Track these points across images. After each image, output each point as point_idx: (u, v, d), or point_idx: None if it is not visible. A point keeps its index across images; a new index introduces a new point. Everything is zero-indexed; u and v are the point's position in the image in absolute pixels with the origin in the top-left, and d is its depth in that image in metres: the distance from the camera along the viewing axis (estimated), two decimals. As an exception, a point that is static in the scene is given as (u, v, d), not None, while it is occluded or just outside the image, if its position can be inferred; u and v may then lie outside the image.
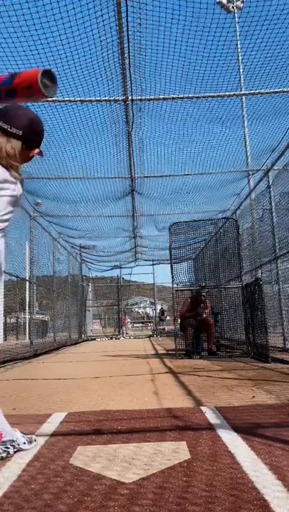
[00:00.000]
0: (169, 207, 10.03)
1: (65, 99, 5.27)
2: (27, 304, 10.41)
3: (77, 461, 1.81)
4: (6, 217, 1.95)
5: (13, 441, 1.97)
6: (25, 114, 1.98)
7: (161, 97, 5.39)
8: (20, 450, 1.98)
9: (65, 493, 1.48)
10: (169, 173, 7.79)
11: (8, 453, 1.93)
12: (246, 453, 1.83)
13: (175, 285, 7.40)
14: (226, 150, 6.86)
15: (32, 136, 1.98)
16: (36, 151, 2.01)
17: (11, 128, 1.91)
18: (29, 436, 2.09)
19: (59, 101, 5.30)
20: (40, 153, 2.04)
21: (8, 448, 1.94)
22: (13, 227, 8.13)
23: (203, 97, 5.44)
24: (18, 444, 1.98)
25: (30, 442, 2.04)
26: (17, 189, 1.98)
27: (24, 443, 2.01)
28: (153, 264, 19.56)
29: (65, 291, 13.62)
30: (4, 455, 1.92)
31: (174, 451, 1.89)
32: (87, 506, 1.37)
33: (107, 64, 4.78)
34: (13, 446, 1.96)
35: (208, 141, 6.64)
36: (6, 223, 1.98)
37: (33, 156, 2.03)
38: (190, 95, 5.38)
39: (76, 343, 13.77)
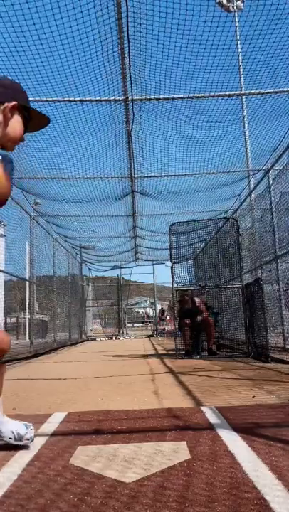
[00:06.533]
0: (169, 207, 10.03)
1: (65, 98, 5.27)
2: (27, 304, 10.41)
3: (78, 461, 1.81)
4: None
5: None
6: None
7: (162, 96, 5.39)
8: (6, 443, 1.97)
9: (65, 493, 1.48)
10: (169, 173, 7.79)
11: None
12: (246, 453, 1.83)
13: (175, 285, 7.40)
14: (226, 150, 6.86)
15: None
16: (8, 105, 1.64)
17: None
18: (21, 433, 1.99)
19: (59, 101, 5.31)
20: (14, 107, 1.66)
21: None
22: (13, 227, 8.14)
23: (204, 96, 5.44)
24: (2, 437, 1.98)
25: (19, 440, 1.98)
26: None
27: (10, 438, 1.98)
28: (153, 264, 19.57)
29: (65, 291, 13.62)
30: None
31: (174, 451, 1.89)
32: (88, 505, 1.37)
33: (107, 64, 4.79)
34: None
35: (208, 141, 6.64)
36: None
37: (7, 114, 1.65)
38: (190, 95, 5.38)
39: (76, 343, 13.77)
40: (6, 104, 1.63)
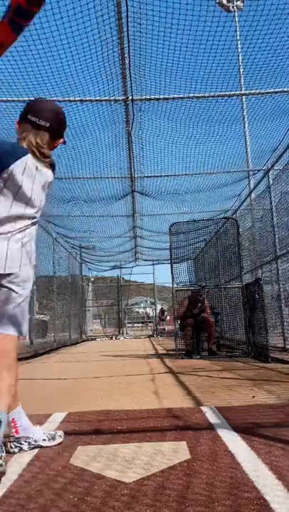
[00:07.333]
0: (169, 207, 10.02)
1: (65, 98, 5.27)
2: (27, 303, 10.41)
3: (78, 461, 1.81)
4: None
5: (28, 437, 1.99)
6: (51, 107, 2.13)
7: (162, 96, 5.39)
8: (39, 447, 2.00)
9: (65, 492, 1.48)
10: (169, 173, 7.79)
11: (21, 449, 1.97)
12: (246, 453, 1.83)
13: (175, 285, 7.40)
14: (226, 150, 6.86)
15: (57, 128, 2.08)
16: (60, 140, 2.14)
17: (39, 121, 2.01)
18: (52, 432, 2.10)
19: (59, 101, 5.30)
20: (64, 142, 2.21)
21: (22, 444, 1.97)
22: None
23: (204, 97, 5.44)
24: (36, 441, 2.00)
25: (52, 439, 2.05)
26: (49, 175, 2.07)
27: (44, 440, 2.03)
28: (153, 264, 19.56)
29: (65, 291, 13.61)
30: (16, 450, 1.96)
31: (174, 451, 1.89)
32: (88, 505, 1.37)
33: (107, 64, 4.79)
34: (29, 443, 1.99)
35: (208, 141, 6.64)
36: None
37: (57, 145, 2.15)
38: (190, 95, 5.38)
39: (76, 343, 13.77)
40: (60, 140, 2.13)
